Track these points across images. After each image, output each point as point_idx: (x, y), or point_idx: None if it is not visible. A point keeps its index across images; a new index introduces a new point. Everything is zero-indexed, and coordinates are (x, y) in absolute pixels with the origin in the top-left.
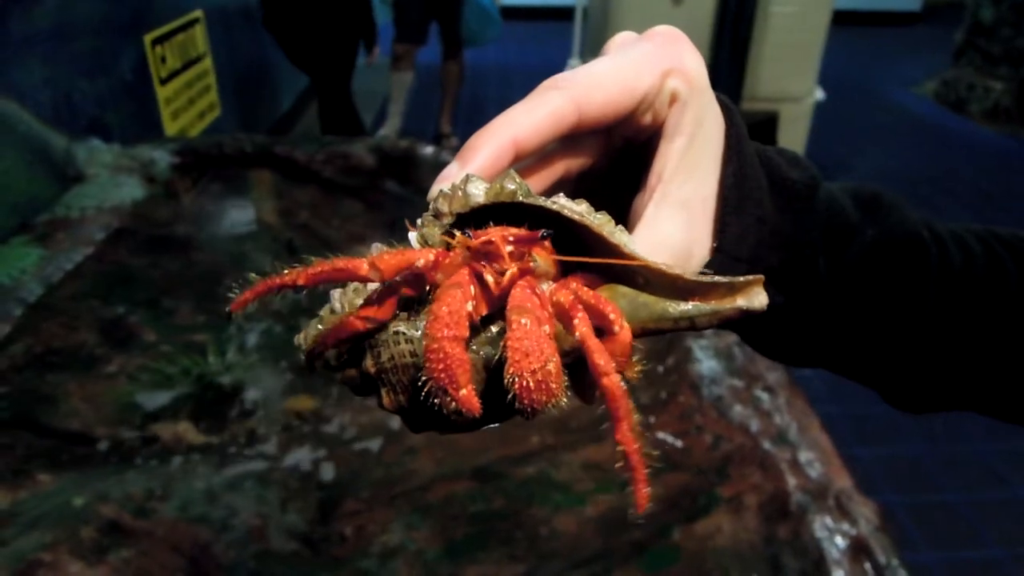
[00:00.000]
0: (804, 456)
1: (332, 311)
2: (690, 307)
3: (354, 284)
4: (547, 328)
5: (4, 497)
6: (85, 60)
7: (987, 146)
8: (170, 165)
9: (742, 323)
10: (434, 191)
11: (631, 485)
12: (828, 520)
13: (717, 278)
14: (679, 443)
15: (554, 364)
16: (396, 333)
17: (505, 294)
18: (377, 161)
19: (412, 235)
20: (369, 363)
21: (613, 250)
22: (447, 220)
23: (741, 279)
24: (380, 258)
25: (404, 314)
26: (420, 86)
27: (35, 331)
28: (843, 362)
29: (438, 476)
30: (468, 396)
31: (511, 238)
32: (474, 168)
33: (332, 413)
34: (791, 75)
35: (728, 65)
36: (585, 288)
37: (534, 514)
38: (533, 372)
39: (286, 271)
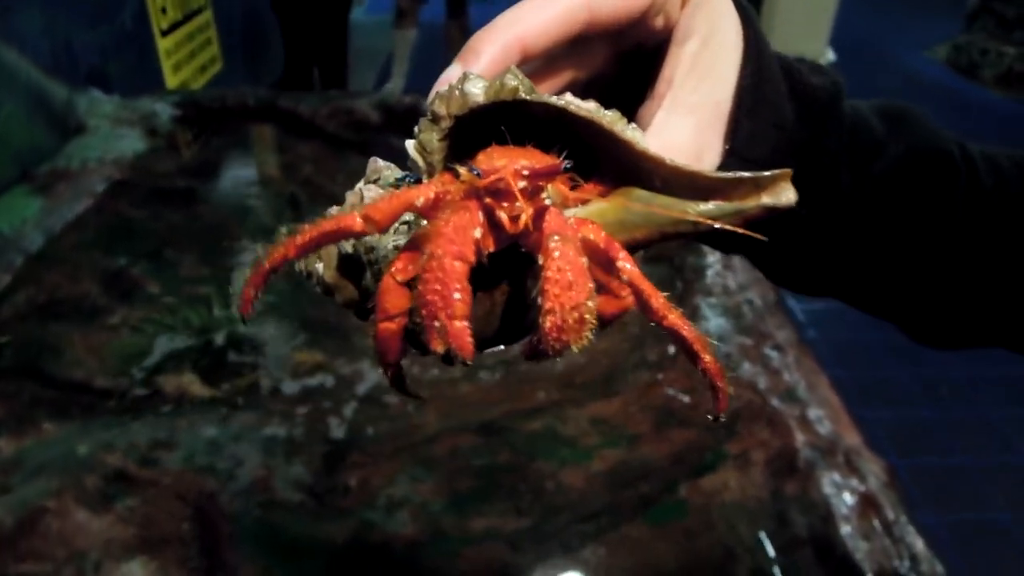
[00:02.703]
0: (813, 413)
1: None
2: (711, 207)
3: (350, 201)
4: (585, 261)
5: (9, 445)
6: (85, 9)
7: (999, 111)
8: (172, 118)
9: (759, 240)
10: (432, 94)
11: (715, 394)
12: (836, 476)
13: (741, 174)
14: (687, 399)
15: (593, 302)
16: (396, 248)
17: (516, 236)
18: (381, 116)
19: (409, 143)
20: (370, 281)
21: (625, 150)
22: (445, 124)
23: (767, 174)
24: (374, 208)
25: (403, 225)
26: (423, 45)
27: (37, 281)
28: (863, 290)
29: (443, 430)
30: (462, 331)
31: (525, 172)
32: (477, 70)
33: (338, 366)
34: (802, 37)
35: None
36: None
37: (540, 468)
38: (573, 308)
39: (272, 247)
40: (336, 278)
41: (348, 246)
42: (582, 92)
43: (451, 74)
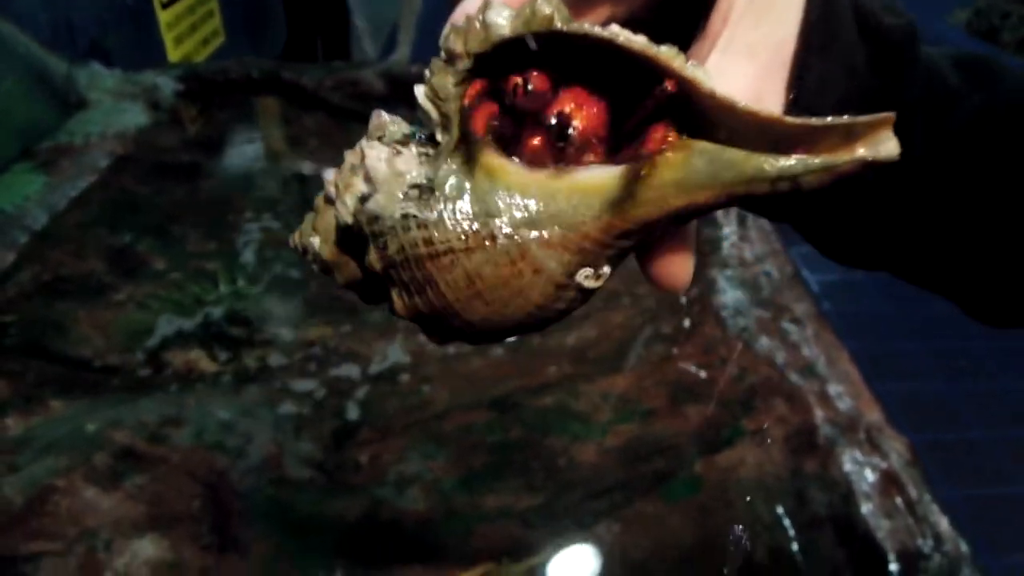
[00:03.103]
0: (833, 389)
1: (327, 198)
2: (793, 161)
3: (350, 161)
4: None
5: (16, 424)
6: None
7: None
8: (174, 92)
9: (815, 205)
10: (447, 28)
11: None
12: (858, 454)
13: (830, 120)
14: (703, 374)
15: None
16: (405, 217)
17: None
18: (387, 86)
19: (419, 89)
20: (373, 257)
21: (686, 93)
22: (463, 64)
23: (863, 119)
24: None
25: (414, 189)
26: (429, 13)
27: (42, 259)
28: (924, 263)
29: (454, 406)
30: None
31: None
32: None
33: (347, 342)
34: None
35: None
36: None
37: (552, 444)
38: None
39: None
40: (335, 254)
41: (348, 216)
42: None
43: (470, 2)
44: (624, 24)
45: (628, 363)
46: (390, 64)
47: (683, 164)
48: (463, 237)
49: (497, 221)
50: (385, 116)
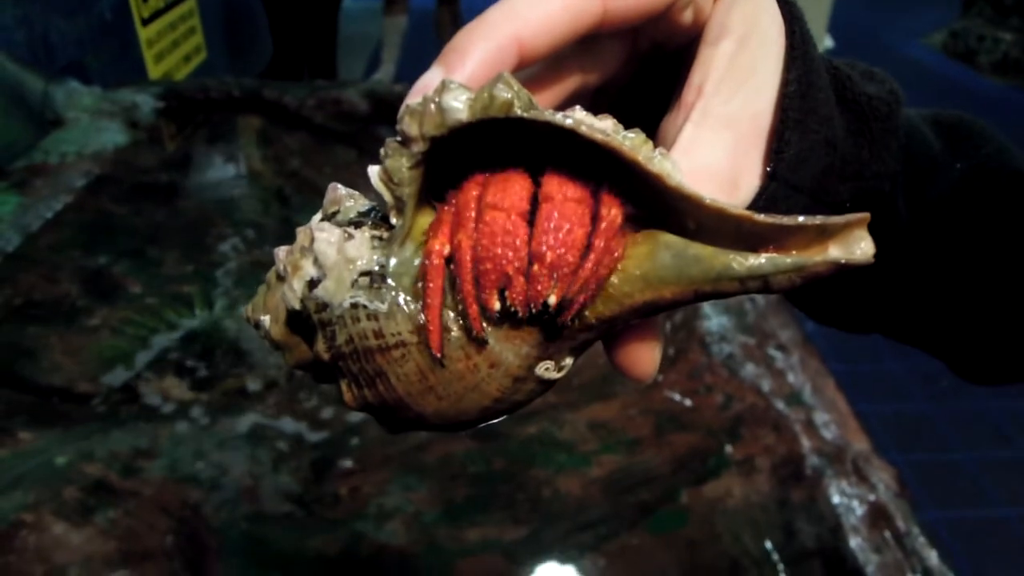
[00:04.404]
0: (819, 417)
1: (278, 276)
2: (763, 260)
3: (300, 242)
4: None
5: None
6: None
7: (995, 98)
8: (154, 110)
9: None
10: (403, 109)
11: None
12: (845, 485)
13: (802, 219)
14: (688, 402)
15: (592, 262)
16: (355, 306)
17: None
18: (371, 106)
19: (373, 171)
20: (321, 347)
21: (652, 183)
22: (418, 148)
23: (837, 219)
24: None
25: (364, 277)
26: (414, 32)
27: (14, 282)
28: (914, 327)
29: (435, 436)
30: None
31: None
32: (462, 77)
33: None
34: None
35: None
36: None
37: (537, 475)
38: (565, 250)
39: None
40: (285, 335)
41: (296, 301)
42: (591, 101)
43: (428, 81)
44: (598, 89)
45: (613, 391)
46: (374, 83)
47: (648, 257)
48: (415, 329)
49: (451, 313)
50: (341, 190)
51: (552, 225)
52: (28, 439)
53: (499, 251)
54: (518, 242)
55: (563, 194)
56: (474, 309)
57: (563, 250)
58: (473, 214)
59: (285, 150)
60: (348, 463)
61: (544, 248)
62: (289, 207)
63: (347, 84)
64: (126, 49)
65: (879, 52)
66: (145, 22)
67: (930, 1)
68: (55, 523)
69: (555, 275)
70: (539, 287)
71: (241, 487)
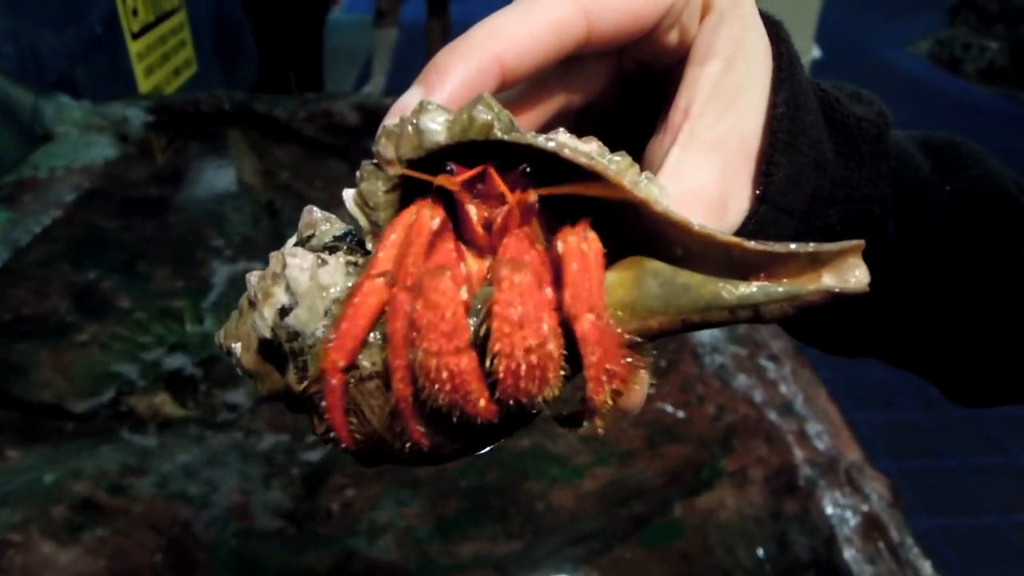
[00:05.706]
0: (812, 428)
1: (249, 302)
2: (754, 289)
3: (272, 268)
4: (549, 292)
5: None
6: (52, 11)
7: (981, 106)
8: (144, 123)
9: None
10: (380, 130)
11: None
12: (838, 495)
13: (794, 246)
14: (680, 414)
15: (556, 343)
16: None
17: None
18: (361, 119)
19: (348, 195)
20: (292, 377)
21: (638, 208)
22: (394, 170)
23: (830, 247)
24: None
25: (337, 305)
26: (404, 44)
27: (3, 297)
28: (905, 350)
29: None
30: (488, 407)
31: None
32: (442, 98)
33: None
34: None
35: None
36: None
37: (530, 489)
38: (528, 351)
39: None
40: (257, 363)
41: (266, 330)
42: (575, 123)
43: (407, 102)
44: (582, 110)
45: None
46: (364, 96)
47: (634, 285)
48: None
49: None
50: (317, 213)
51: (506, 330)
52: (16, 457)
53: (443, 377)
54: (462, 367)
55: (511, 280)
56: (417, 433)
57: (520, 353)
58: (402, 336)
59: (276, 163)
60: (340, 478)
61: (499, 369)
62: (280, 220)
63: (337, 97)
64: (116, 63)
65: (865, 61)
66: (135, 36)
67: (916, 9)
68: (43, 542)
69: (509, 387)
70: (488, 408)
71: (232, 503)
